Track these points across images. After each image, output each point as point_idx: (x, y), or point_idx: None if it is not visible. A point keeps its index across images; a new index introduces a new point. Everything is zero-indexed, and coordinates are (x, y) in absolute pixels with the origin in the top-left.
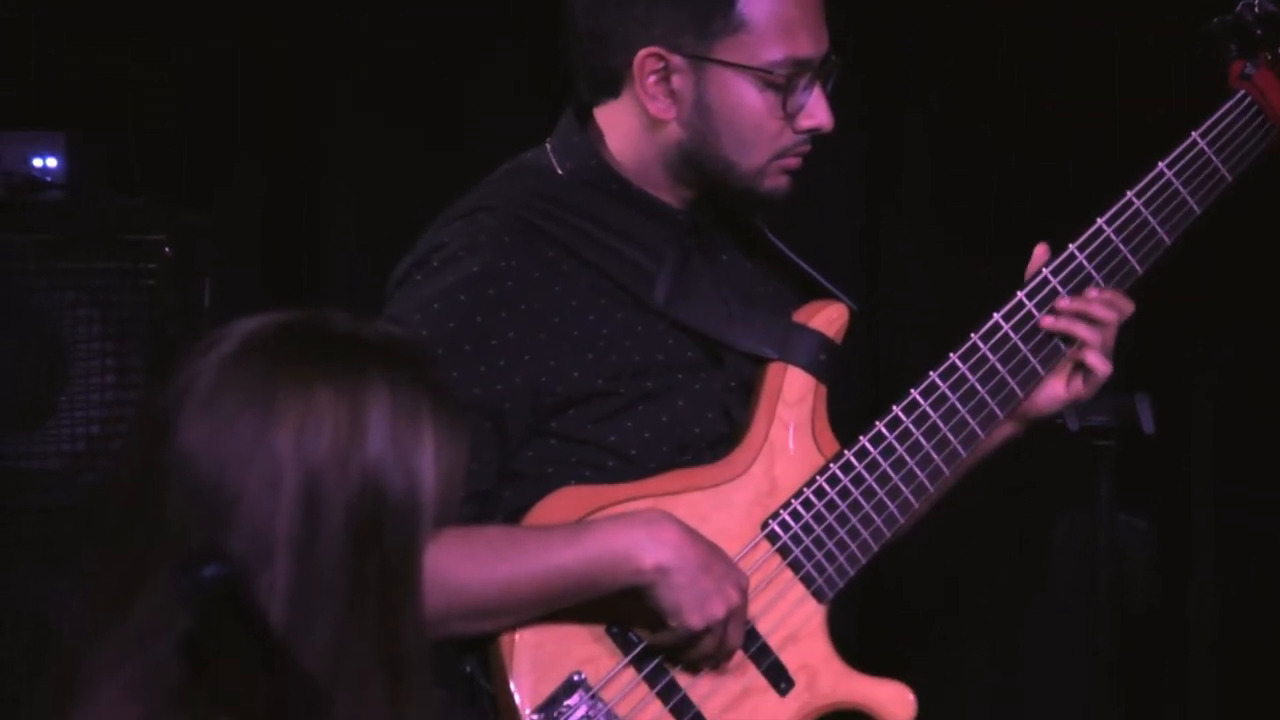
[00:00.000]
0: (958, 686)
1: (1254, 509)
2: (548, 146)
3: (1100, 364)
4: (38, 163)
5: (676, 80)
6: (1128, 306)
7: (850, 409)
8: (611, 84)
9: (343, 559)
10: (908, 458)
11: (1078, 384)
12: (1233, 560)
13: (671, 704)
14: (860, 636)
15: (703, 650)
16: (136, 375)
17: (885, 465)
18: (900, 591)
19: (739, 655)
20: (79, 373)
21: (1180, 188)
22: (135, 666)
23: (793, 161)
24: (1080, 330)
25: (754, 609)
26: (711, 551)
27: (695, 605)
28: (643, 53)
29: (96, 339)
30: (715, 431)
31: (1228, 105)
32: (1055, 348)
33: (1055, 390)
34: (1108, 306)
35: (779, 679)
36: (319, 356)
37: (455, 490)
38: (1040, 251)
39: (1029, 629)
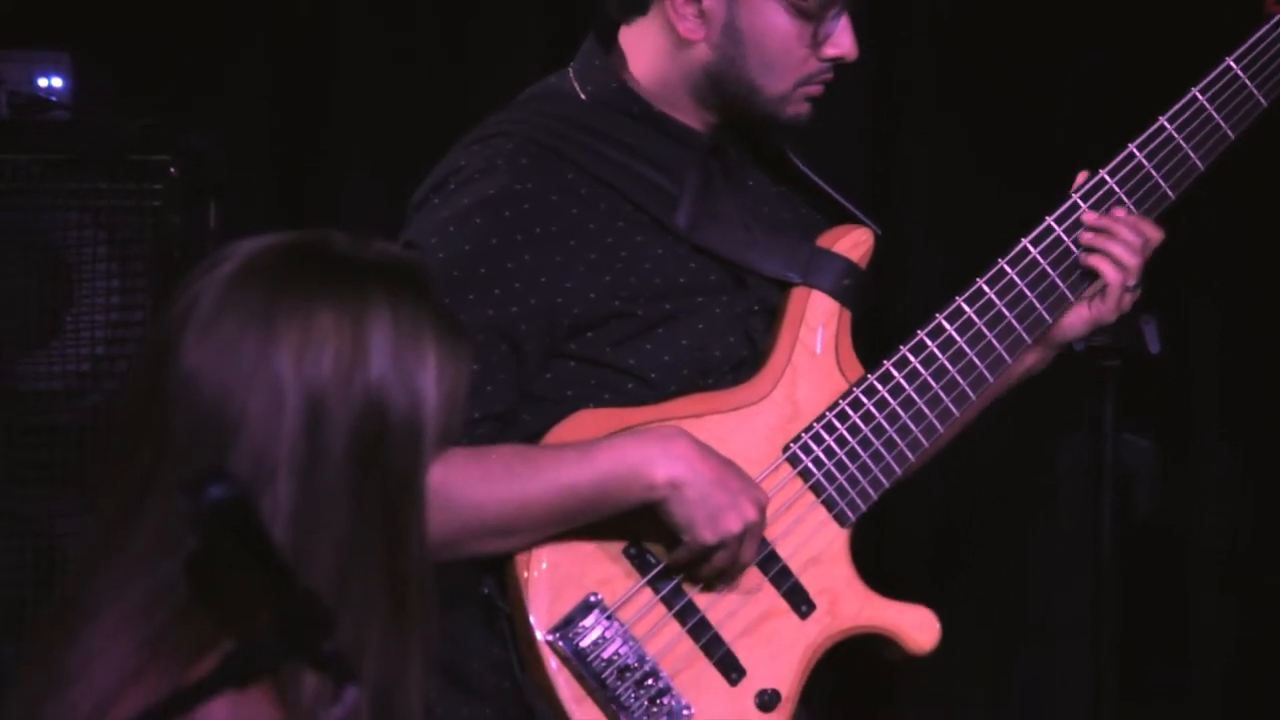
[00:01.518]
0: (961, 607)
1: (1258, 428)
2: (570, 71)
3: (1113, 274)
4: (43, 83)
5: (708, 1)
6: (1155, 233)
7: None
8: (641, 1)
9: (346, 479)
10: (933, 382)
11: (1098, 303)
12: (1235, 480)
13: (689, 625)
14: (862, 556)
15: (716, 565)
16: (141, 296)
17: (910, 390)
18: (903, 512)
19: (758, 578)
20: (83, 294)
21: (1214, 113)
22: (140, 588)
23: (815, 89)
24: (1105, 245)
25: (775, 532)
26: (726, 467)
27: (708, 520)
28: None
29: (101, 260)
30: (737, 355)
31: (1263, 30)
32: (1085, 272)
33: (1079, 311)
34: (1132, 229)
35: (800, 602)
36: (320, 277)
37: (457, 409)
38: (1081, 178)
39: (1032, 548)
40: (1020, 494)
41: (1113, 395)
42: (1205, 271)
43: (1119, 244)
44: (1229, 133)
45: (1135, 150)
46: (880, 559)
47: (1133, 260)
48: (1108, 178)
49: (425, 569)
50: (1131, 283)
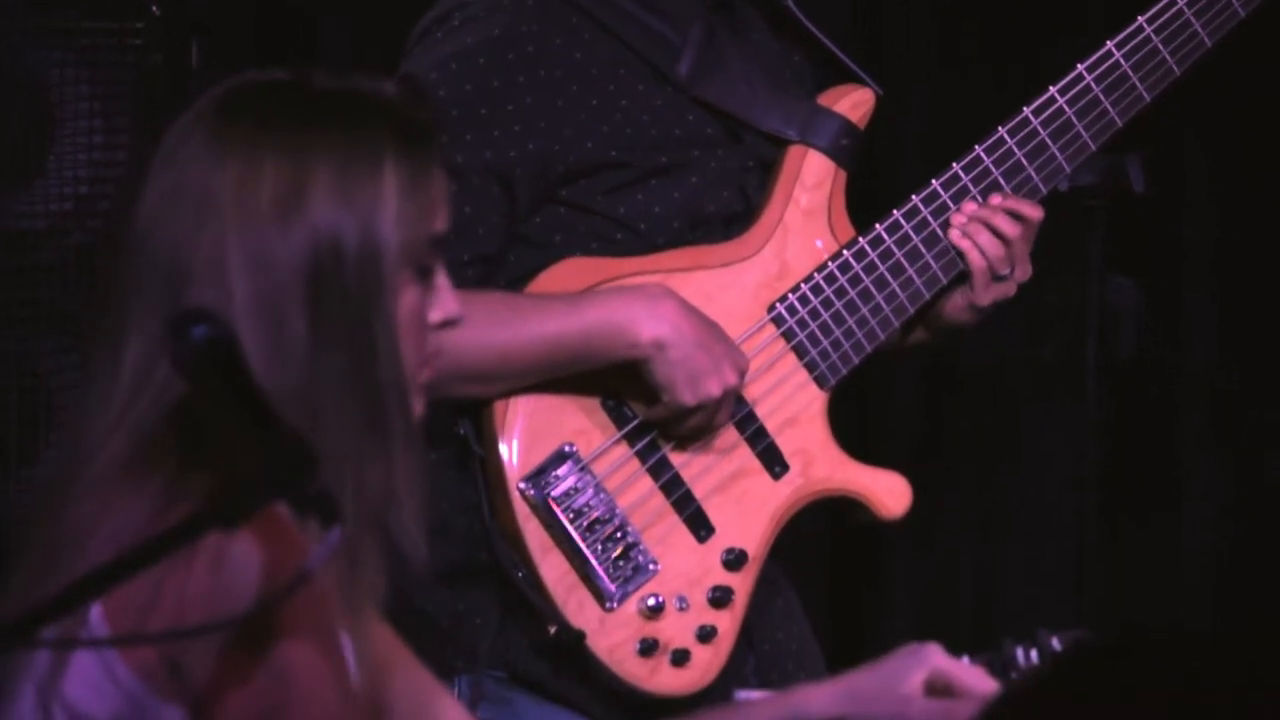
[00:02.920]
0: (948, 448)
1: (1244, 266)
2: None
3: (977, 260)
4: None
5: None
6: (1033, 212)
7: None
8: None
9: (301, 307)
10: (924, 249)
11: (968, 289)
12: (1222, 317)
13: (661, 481)
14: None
15: (692, 426)
16: (123, 136)
17: (899, 255)
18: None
19: (735, 436)
20: (66, 133)
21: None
22: (123, 437)
23: None
24: (972, 231)
25: (755, 392)
26: (710, 330)
27: (688, 382)
28: None
29: (84, 99)
30: (730, 210)
31: None
32: (1083, 145)
33: (954, 297)
34: (1011, 217)
35: (773, 462)
36: (270, 115)
37: (421, 232)
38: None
39: (1019, 389)
40: (1006, 334)
41: (1099, 235)
42: (1191, 108)
43: (986, 232)
44: (1240, 11)
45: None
46: (866, 401)
47: (996, 249)
48: (1114, 50)
49: (400, 384)
50: (1003, 271)
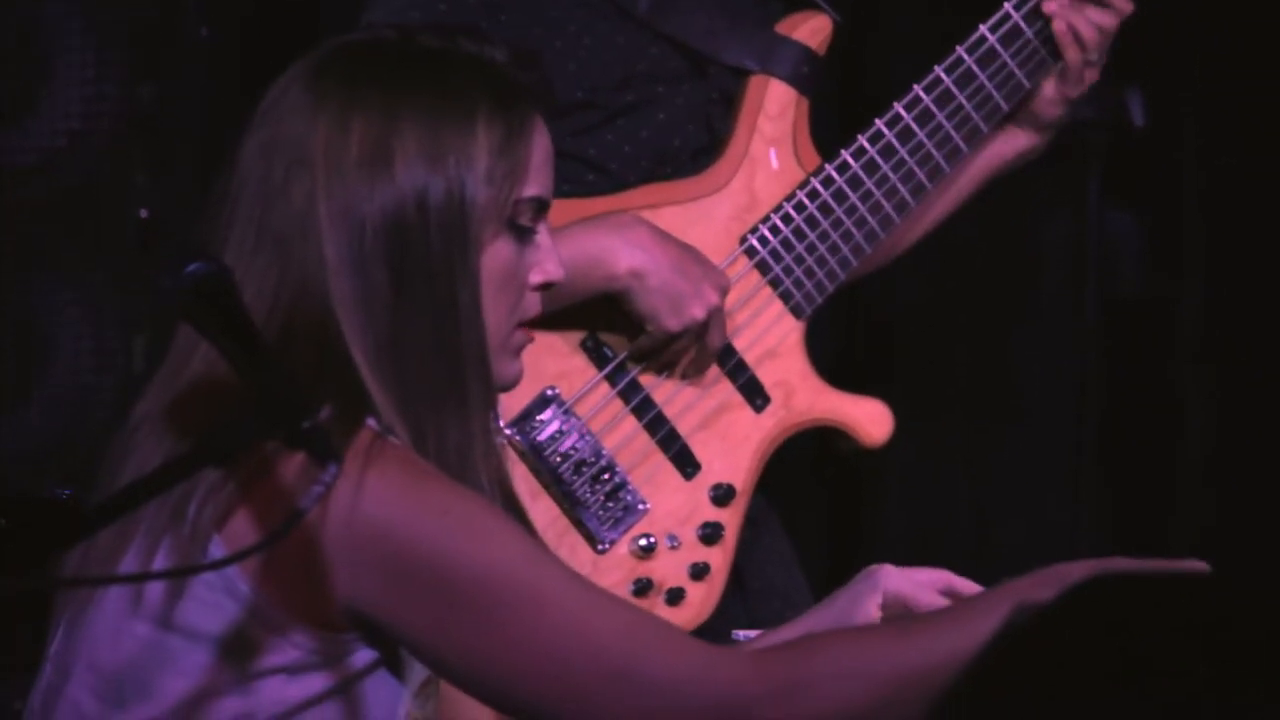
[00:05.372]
0: (943, 386)
1: (1244, 201)
2: None
3: (1073, 52)
4: None
5: None
6: (1125, 5)
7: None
8: None
9: (386, 265)
10: (891, 173)
11: (1063, 81)
12: (1222, 252)
13: (646, 420)
14: (838, 336)
15: (679, 352)
16: (117, 70)
17: (868, 181)
18: (883, 290)
19: (715, 371)
20: (59, 68)
21: None
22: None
23: None
24: (1069, 18)
25: (732, 325)
26: (687, 253)
27: (671, 308)
28: None
29: (76, 35)
30: (697, 143)
31: None
32: (1042, 60)
33: (1047, 90)
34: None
35: (755, 395)
36: (362, 77)
37: (513, 191)
38: None
39: (1015, 325)
40: (1003, 270)
41: (1098, 170)
42: (1192, 40)
43: (1081, 19)
44: None
45: None
46: (854, 338)
47: (1092, 35)
48: None
49: (480, 344)
50: (1093, 58)
